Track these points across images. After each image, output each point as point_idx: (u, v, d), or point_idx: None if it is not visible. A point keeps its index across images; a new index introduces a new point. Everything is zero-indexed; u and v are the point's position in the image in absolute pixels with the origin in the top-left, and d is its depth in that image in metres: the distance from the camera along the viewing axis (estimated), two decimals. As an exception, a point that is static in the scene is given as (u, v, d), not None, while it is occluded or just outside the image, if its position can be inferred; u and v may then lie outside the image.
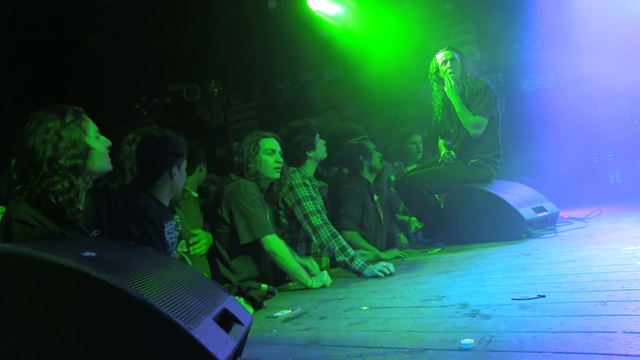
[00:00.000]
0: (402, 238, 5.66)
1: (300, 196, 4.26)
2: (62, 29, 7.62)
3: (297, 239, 4.55)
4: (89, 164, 2.51)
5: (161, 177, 3.42)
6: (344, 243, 4.00)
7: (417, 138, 6.41)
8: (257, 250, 3.93)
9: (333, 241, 3.99)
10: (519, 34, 7.63)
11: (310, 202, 4.21)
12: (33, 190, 2.36)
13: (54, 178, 2.36)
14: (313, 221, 4.12)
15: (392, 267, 3.88)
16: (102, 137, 2.64)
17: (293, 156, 4.56)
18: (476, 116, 5.02)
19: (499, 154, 5.24)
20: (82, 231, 2.56)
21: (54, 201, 2.36)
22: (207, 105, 10.75)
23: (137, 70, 8.76)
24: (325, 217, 4.22)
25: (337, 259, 3.96)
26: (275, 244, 3.83)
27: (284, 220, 4.51)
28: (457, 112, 5.09)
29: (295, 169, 4.52)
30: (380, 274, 3.82)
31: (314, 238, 4.10)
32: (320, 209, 4.26)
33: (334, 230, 4.09)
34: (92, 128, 2.58)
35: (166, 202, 3.49)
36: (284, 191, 4.35)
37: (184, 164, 3.50)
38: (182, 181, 3.52)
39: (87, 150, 2.50)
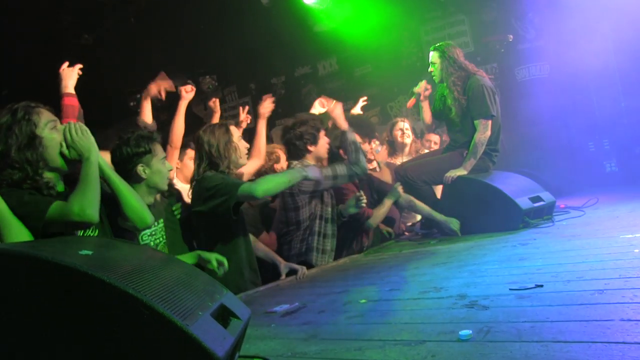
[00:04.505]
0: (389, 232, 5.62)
1: (300, 203, 4.40)
2: (55, 28, 7.61)
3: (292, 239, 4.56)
4: (45, 154, 2.63)
5: (131, 179, 3.35)
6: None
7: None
8: (231, 240, 3.91)
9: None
10: (513, 24, 7.63)
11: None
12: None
13: (7, 171, 2.53)
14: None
15: None
16: (61, 127, 2.73)
17: (294, 147, 4.61)
18: (478, 122, 5.00)
19: (497, 149, 5.21)
20: None
21: (24, 185, 2.54)
22: (201, 101, 10.72)
23: (130, 68, 8.73)
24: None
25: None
26: (255, 186, 3.71)
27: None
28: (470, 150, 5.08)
29: (299, 166, 4.47)
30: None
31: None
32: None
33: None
34: (44, 120, 2.66)
35: (149, 200, 3.43)
36: (286, 192, 4.37)
37: (155, 160, 3.41)
38: (160, 177, 3.44)
39: (34, 141, 2.60)
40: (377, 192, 5.29)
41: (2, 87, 7.98)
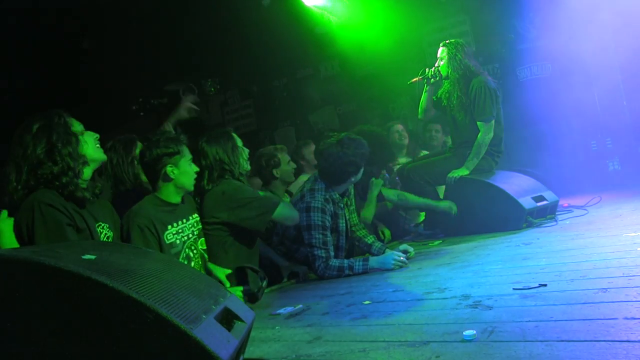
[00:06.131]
0: (387, 233, 5.60)
1: (313, 222, 4.01)
2: (57, 32, 7.63)
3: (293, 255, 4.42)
4: (81, 149, 2.85)
5: (159, 179, 3.51)
6: (337, 264, 3.93)
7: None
8: (249, 247, 4.00)
9: (328, 272, 3.91)
10: (514, 23, 7.62)
11: (320, 232, 3.99)
12: (29, 182, 2.65)
13: (48, 164, 2.68)
14: (315, 252, 3.97)
15: (406, 254, 3.99)
16: (88, 132, 2.99)
17: (339, 175, 4.13)
18: (481, 124, 5.03)
19: (500, 149, 5.23)
20: (93, 216, 2.92)
21: (57, 183, 2.67)
22: (204, 104, 10.72)
23: (133, 72, 8.75)
24: (330, 248, 4.01)
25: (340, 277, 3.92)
26: (295, 213, 4.01)
27: None
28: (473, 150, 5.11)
29: (323, 186, 4.14)
30: (394, 267, 3.80)
31: (312, 265, 4.02)
32: (328, 240, 4.02)
33: (329, 260, 3.96)
34: (76, 123, 2.91)
35: (176, 199, 3.58)
36: (299, 207, 4.09)
37: (183, 161, 3.54)
38: (187, 177, 3.57)
39: (76, 137, 2.83)
40: (361, 187, 5.25)
41: (4, 92, 8.01)
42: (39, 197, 2.59)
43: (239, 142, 4.17)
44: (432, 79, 5.38)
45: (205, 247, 3.76)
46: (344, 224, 4.27)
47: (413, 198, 5.10)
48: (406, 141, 6.61)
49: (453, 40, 5.34)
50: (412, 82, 5.56)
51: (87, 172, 2.90)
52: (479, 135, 5.02)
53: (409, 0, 7.80)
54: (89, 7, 7.36)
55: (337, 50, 8.72)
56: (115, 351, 1.47)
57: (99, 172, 3.18)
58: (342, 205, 4.23)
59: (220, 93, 10.50)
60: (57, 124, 2.76)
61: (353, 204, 4.51)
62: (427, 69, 5.43)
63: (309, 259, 4.04)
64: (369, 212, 5.04)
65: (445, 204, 4.95)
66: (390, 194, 5.22)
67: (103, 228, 2.99)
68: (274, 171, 5.07)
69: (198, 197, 4.08)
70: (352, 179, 4.17)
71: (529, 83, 7.58)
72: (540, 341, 1.74)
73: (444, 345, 1.89)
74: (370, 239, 4.45)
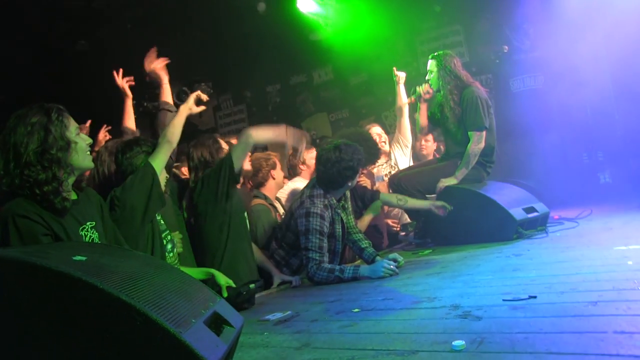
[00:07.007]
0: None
1: (311, 227, 4.05)
2: (51, 34, 7.61)
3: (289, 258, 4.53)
4: (71, 159, 2.66)
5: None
6: (329, 267, 3.98)
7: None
8: (243, 250, 4.09)
9: (319, 272, 3.96)
10: (508, 35, 7.66)
11: (318, 237, 4.04)
12: (14, 180, 2.49)
13: (37, 168, 2.51)
14: (310, 255, 4.01)
15: (395, 263, 4.02)
16: (83, 135, 2.80)
17: (336, 179, 4.20)
18: (472, 133, 5.04)
19: (492, 160, 5.24)
20: (78, 220, 2.73)
21: (37, 191, 2.50)
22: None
23: (126, 75, 8.72)
24: (325, 253, 4.06)
25: (330, 280, 3.95)
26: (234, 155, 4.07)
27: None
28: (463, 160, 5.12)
29: (322, 192, 4.22)
30: (384, 275, 3.81)
31: (305, 267, 4.10)
32: (324, 245, 4.07)
33: (322, 263, 4.00)
34: (73, 125, 2.73)
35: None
36: (299, 212, 4.16)
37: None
38: (164, 175, 3.66)
39: (69, 145, 2.65)
40: (360, 200, 5.27)
41: (1, 92, 7.97)
42: (13, 209, 2.47)
43: (224, 145, 4.36)
44: (426, 95, 5.42)
45: (181, 250, 3.87)
46: (340, 229, 4.32)
47: (412, 200, 5.12)
48: (386, 146, 6.42)
49: (441, 52, 5.35)
50: (409, 102, 5.65)
51: (72, 180, 2.77)
52: (468, 145, 5.03)
53: (404, 9, 7.83)
54: (85, 9, 7.35)
55: (330, 58, 8.75)
56: (104, 353, 1.46)
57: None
58: (338, 210, 4.28)
59: (213, 98, 10.49)
60: (54, 124, 2.61)
61: (349, 206, 4.54)
62: (417, 87, 5.49)
63: (303, 262, 4.11)
64: (362, 225, 5.05)
65: (440, 202, 4.95)
66: (390, 198, 5.24)
67: (87, 230, 2.90)
68: (272, 172, 5.11)
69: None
70: (349, 184, 4.24)
71: (522, 94, 7.62)
72: (529, 353, 1.74)
73: (432, 355, 1.89)
74: (364, 243, 4.45)
